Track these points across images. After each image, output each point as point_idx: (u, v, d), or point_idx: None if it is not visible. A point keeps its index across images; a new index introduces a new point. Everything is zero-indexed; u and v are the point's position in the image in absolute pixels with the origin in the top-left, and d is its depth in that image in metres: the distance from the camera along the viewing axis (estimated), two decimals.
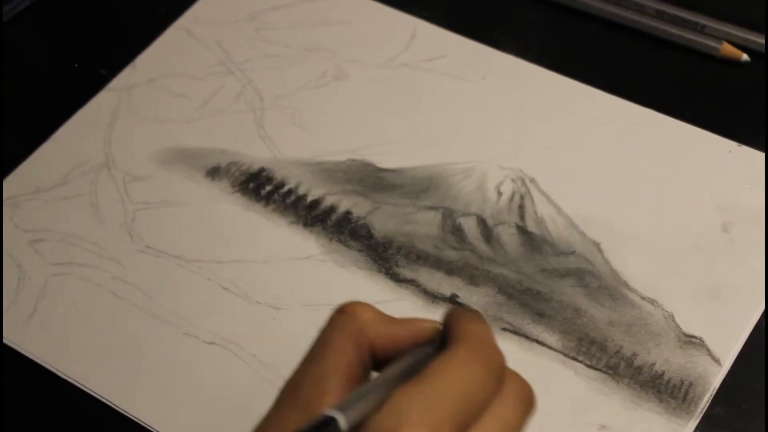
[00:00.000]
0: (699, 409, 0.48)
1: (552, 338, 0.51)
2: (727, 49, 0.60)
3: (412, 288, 0.53)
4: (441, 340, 0.39)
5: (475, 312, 0.40)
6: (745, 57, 0.60)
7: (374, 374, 0.38)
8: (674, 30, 0.62)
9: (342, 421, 0.35)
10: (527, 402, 0.38)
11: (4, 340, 0.54)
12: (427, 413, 0.34)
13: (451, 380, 0.36)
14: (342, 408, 0.35)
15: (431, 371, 0.36)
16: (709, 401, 0.49)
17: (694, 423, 0.48)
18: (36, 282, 0.56)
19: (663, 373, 0.49)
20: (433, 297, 0.53)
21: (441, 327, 0.39)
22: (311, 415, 0.36)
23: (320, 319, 0.53)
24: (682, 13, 0.62)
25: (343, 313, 0.39)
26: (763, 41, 0.61)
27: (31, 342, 0.54)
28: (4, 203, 0.60)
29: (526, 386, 0.38)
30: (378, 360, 0.39)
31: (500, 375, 0.37)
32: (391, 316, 0.40)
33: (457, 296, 0.53)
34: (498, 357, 0.38)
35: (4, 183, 0.60)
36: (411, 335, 0.39)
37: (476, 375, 0.36)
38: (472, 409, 0.36)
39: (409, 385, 0.35)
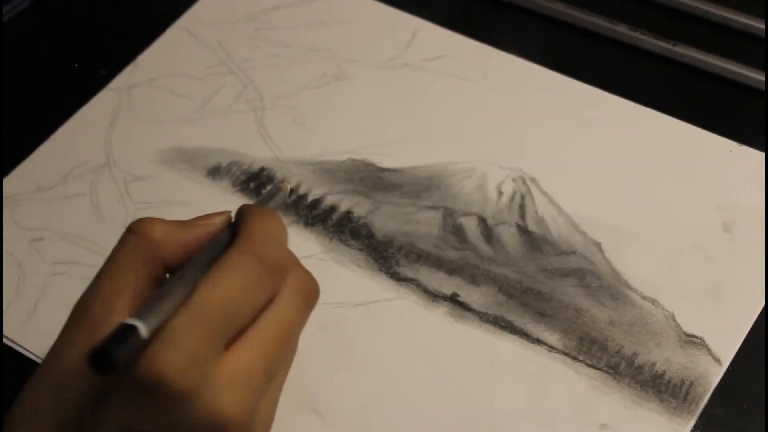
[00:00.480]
0: (700, 409, 0.48)
1: (553, 338, 0.51)
2: None
3: (413, 287, 0.53)
4: (233, 232, 0.40)
5: (266, 209, 0.41)
6: None
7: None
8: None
9: (142, 328, 0.35)
10: (305, 294, 0.40)
11: (4, 339, 0.54)
12: (195, 339, 0.36)
13: (220, 292, 0.37)
14: (141, 315, 0.35)
15: (202, 286, 0.37)
16: (707, 401, 0.49)
17: (694, 422, 0.48)
18: (36, 281, 0.56)
19: (664, 373, 0.49)
20: (434, 296, 0.53)
21: (233, 217, 0.40)
22: (100, 334, 0.36)
23: (321, 318, 0.53)
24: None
25: (132, 233, 0.39)
26: (762, 26, 0.61)
27: (32, 341, 0.54)
28: (5, 201, 0.59)
29: (304, 279, 0.40)
30: (174, 268, 0.40)
31: (280, 273, 0.38)
32: (182, 222, 0.40)
33: (458, 295, 0.53)
34: (275, 253, 0.38)
35: (5, 181, 0.60)
36: (201, 237, 0.40)
37: (248, 279, 0.37)
38: (245, 313, 0.37)
39: (180, 313, 0.36)
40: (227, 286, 0.37)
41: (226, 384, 0.36)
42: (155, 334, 0.36)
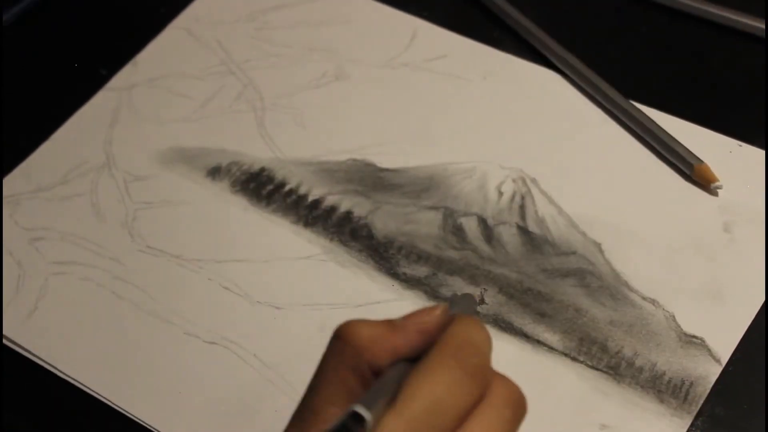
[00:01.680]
0: (698, 408, 0.48)
1: (553, 338, 0.51)
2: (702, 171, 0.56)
3: (414, 288, 0.53)
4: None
5: (472, 318, 0.40)
6: (716, 184, 0.55)
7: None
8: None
9: (369, 419, 0.35)
10: (515, 407, 0.38)
11: (4, 340, 0.54)
12: None
13: (425, 395, 0.36)
14: (367, 405, 0.35)
15: (407, 387, 0.36)
16: (704, 399, 0.49)
17: (695, 422, 0.48)
18: (36, 280, 0.56)
19: (664, 373, 0.49)
20: (435, 297, 0.53)
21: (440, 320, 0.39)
22: None
23: (321, 318, 0.53)
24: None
25: (338, 339, 0.39)
26: (762, 26, 0.61)
27: (31, 340, 0.54)
28: (5, 201, 0.59)
29: (513, 389, 0.38)
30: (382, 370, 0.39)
31: (482, 379, 0.37)
32: (391, 324, 0.39)
33: (458, 298, 0.53)
34: (478, 359, 0.37)
35: (5, 181, 0.60)
36: (411, 342, 0.39)
37: (452, 383, 0.36)
38: (451, 419, 0.36)
39: (389, 413, 0.36)
40: (432, 387, 0.36)
41: None
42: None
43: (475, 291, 0.52)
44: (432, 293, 0.53)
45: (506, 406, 0.38)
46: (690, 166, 0.56)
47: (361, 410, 0.35)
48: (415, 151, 0.59)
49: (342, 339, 0.39)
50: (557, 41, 0.62)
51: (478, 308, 0.52)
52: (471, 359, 0.37)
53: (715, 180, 0.55)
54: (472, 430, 0.37)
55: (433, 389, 0.36)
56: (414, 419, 0.36)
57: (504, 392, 0.38)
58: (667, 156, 0.57)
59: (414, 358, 0.38)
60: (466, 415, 0.37)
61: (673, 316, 0.51)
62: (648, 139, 0.57)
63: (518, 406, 0.38)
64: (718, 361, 0.50)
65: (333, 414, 0.38)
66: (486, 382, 0.37)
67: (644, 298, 0.52)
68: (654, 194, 0.56)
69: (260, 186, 0.59)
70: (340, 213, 0.57)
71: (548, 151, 0.58)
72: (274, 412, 0.50)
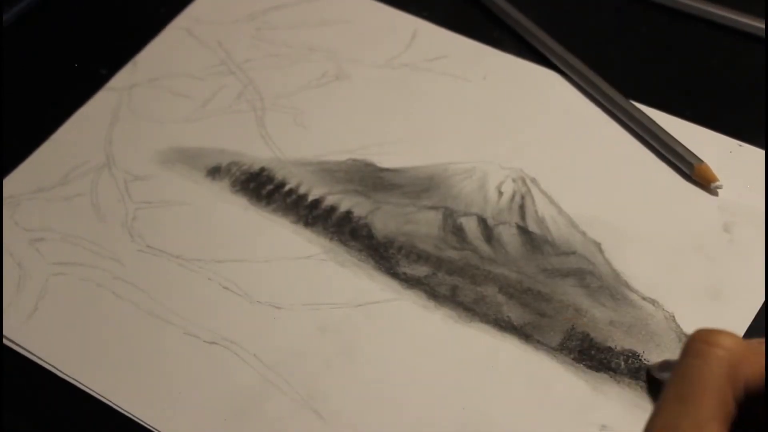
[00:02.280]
0: None
1: (553, 338, 0.51)
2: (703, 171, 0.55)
3: (413, 288, 0.53)
4: None
5: None
6: (716, 184, 0.55)
7: None
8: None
9: None
10: None
11: (4, 340, 0.54)
12: None
13: None
14: None
15: None
16: None
17: None
18: (36, 281, 0.56)
19: None
20: (434, 297, 0.53)
21: None
22: None
23: (321, 318, 0.53)
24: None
25: (710, 345, 0.35)
26: (762, 26, 0.61)
27: (32, 341, 0.54)
28: (5, 202, 0.60)
29: None
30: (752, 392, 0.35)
31: None
32: (760, 343, 0.35)
33: (458, 296, 0.53)
34: None
35: (5, 182, 0.60)
36: None
37: None
38: None
39: None
40: None
41: None
42: None
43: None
44: (432, 293, 0.53)
45: None
46: (690, 165, 0.56)
47: None
48: (415, 151, 0.59)
49: (717, 346, 0.35)
50: (557, 41, 0.62)
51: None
52: None
53: (715, 180, 0.55)
54: None
55: None
56: None
57: None
58: (667, 156, 0.57)
59: None
60: None
61: (673, 316, 0.51)
62: (648, 139, 0.57)
63: None
64: None
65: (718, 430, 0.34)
66: None
67: (644, 298, 0.52)
68: (654, 194, 0.56)
69: (260, 186, 0.59)
70: (340, 213, 0.57)
71: (548, 151, 0.58)
72: (274, 412, 0.50)
